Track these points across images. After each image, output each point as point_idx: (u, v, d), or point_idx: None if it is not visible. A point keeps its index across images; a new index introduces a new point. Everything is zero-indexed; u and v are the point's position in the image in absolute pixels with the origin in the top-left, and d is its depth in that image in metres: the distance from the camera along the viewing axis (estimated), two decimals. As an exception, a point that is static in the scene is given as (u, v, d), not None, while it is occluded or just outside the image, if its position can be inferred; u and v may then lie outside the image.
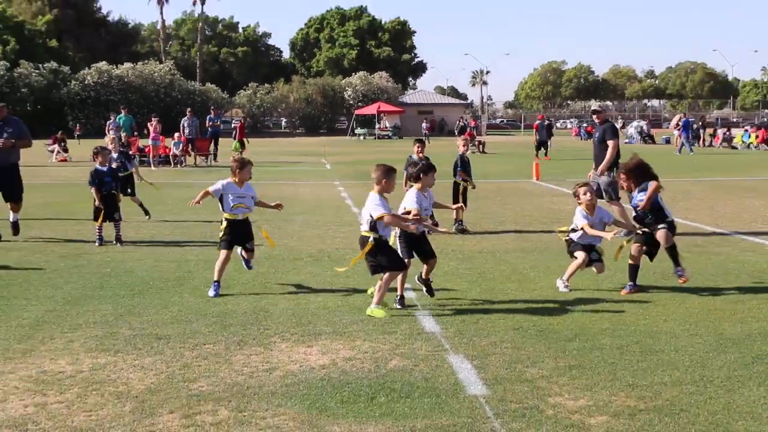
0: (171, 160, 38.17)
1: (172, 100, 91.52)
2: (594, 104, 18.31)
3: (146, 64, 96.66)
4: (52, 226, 16.83)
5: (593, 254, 10.59)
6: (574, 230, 10.71)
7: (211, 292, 10.34)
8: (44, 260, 12.97)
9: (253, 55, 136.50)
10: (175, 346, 8.01)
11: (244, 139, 42.73)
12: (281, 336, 8.39)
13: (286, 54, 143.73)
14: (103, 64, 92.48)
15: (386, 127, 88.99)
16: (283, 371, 7.23)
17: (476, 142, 53.57)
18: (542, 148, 44.51)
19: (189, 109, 43.02)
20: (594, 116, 16.73)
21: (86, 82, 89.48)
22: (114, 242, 14.57)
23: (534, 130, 47.61)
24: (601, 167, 15.74)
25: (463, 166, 16.05)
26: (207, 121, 42.26)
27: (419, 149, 16.01)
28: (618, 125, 46.11)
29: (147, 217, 17.64)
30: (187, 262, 12.75)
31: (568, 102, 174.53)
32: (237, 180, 10.92)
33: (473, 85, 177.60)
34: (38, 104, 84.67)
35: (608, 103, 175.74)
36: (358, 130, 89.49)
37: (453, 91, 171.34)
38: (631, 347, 7.92)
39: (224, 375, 7.13)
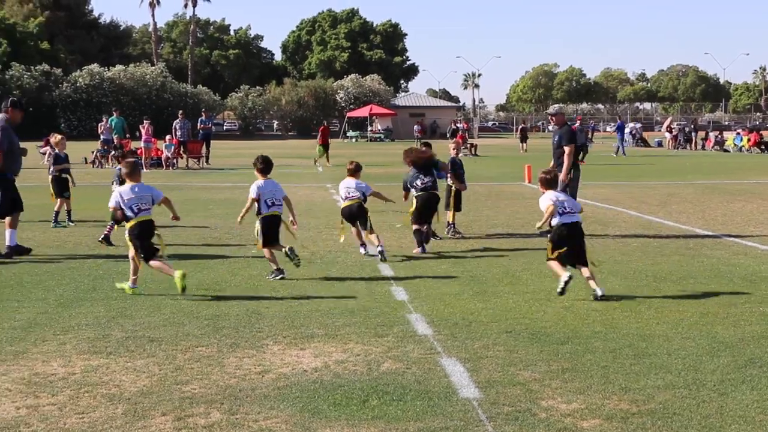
0: (163, 163, 38.12)
1: (164, 103, 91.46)
2: (552, 107, 18.24)
3: (138, 66, 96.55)
4: (45, 229, 16.78)
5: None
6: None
7: (271, 276, 11.59)
8: (36, 262, 12.94)
9: (244, 58, 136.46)
10: (168, 349, 8.00)
11: (328, 142, 42.24)
12: (274, 338, 8.39)
13: (278, 56, 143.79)
14: (94, 67, 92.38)
15: (378, 130, 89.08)
16: (276, 374, 7.23)
17: (468, 145, 53.61)
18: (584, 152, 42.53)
19: (181, 111, 43.14)
20: (551, 119, 16.75)
21: (78, 85, 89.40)
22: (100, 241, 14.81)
23: None
24: (561, 176, 15.75)
25: (454, 170, 16.04)
26: (198, 124, 42.39)
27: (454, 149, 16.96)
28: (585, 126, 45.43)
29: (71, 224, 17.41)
30: (179, 264, 12.67)
31: (561, 105, 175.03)
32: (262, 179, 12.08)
33: (465, 87, 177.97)
34: (30, 106, 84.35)
35: (600, 105, 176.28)
36: (351, 133, 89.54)
37: (445, 94, 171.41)
38: (623, 350, 7.93)
39: (217, 377, 7.12)
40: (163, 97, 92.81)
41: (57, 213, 17.36)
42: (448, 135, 63.21)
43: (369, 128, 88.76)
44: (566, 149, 15.69)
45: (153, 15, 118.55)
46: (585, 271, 10.41)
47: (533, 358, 7.69)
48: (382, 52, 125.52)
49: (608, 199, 23.34)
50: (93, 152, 40.28)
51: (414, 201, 14.34)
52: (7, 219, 13.81)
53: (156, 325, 8.96)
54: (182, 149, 39.26)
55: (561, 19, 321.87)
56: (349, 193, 13.74)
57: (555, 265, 10.40)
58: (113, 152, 38.17)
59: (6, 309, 9.71)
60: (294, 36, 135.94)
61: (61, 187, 17.56)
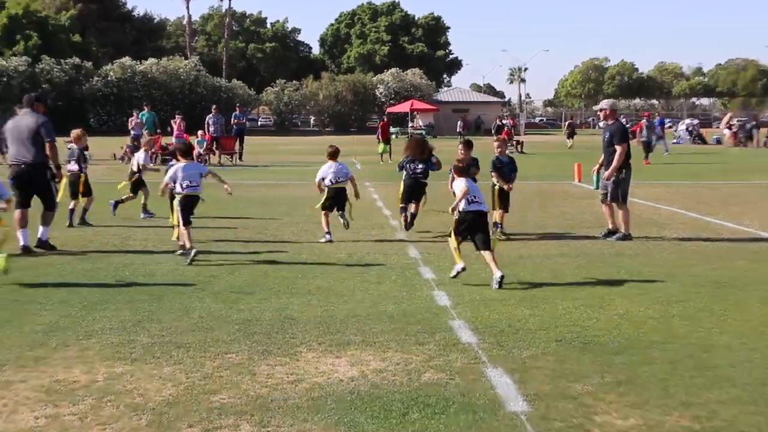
0: (195, 159, 38.20)
1: (197, 97, 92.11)
2: (603, 102, 17.86)
3: (171, 59, 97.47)
4: (70, 229, 16.82)
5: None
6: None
7: (324, 239, 14.86)
8: (61, 262, 12.94)
9: (281, 51, 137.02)
10: (196, 356, 7.89)
11: (389, 137, 42.57)
12: (308, 345, 8.25)
13: (316, 50, 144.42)
14: (126, 60, 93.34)
15: (420, 126, 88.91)
16: (310, 383, 7.09)
17: (514, 142, 53.30)
18: (648, 150, 42.38)
19: (214, 105, 43.13)
20: (600, 114, 16.57)
21: (109, 78, 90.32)
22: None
23: (638, 130, 45.58)
24: (607, 173, 15.68)
25: (497, 168, 15.75)
26: (232, 119, 42.52)
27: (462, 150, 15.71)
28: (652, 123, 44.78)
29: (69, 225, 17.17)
30: (209, 265, 12.66)
31: (612, 100, 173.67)
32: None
33: (511, 82, 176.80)
34: (59, 100, 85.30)
35: (654, 101, 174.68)
36: (391, 129, 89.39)
37: (489, 89, 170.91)
38: (683, 362, 7.70)
39: (247, 387, 6.99)
40: (197, 91, 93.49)
41: (85, 211, 17.35)
42: (493, 131, 62.88)
43: (410, 124, 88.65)
44: (618, 148, 15.51)
45: (188, 7, 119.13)
46: (487, 256, 11.34)
47: (585, 369, 7.48)
48: (424, 45, 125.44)
49: (663, 198, 22.99)
50: (123, 147, 40.61)
51: (402, 183, 16.73)
52: (40, 214, 14.02)
53: (184, 330, 8.86)
54: (215, 145, 39.39)
55: (611, 11, 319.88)
56: (338, 178, 15.79)
57: (455, 250, 11.47)
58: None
59: (27, 312, 9.67)
60: (332, 29, 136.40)
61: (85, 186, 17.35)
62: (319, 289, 11.04)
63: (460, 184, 11.64)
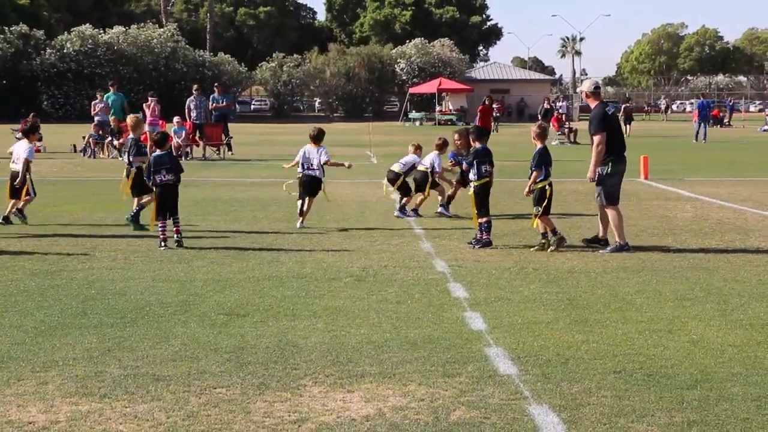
0: (173, 152, 38.34)
1: (176, 75, 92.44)
2: (585, 82, 17.63)
3: (143, 28, 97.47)
4: (20, 236, 17.04)
5: None
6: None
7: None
8: (11, 278, 13.12)
9: (279, 18, 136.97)
10: (178, 390, 8.06)
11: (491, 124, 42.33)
12: (313, 378, 8.41)
13: (321, 16, 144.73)
14: (86, 28, 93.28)
15: (449, 110, 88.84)
16: (316, 423, 7.25)
17: (566, 130, 53.31)
18: None
19: (196, 86, 42.86)
20: (585, 98, 16.75)
21: (65, 51, 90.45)
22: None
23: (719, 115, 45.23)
24: (588, 174, 15.80)
25: (541, 163, 15.75)
26: (210, 102, 41.78)
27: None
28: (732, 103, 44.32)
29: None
30: (193, 282, 12.83)
31: (688, 77, 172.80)
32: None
33: (563, 56, 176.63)
34: (3, 79, 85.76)
35: (741, 78, 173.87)
36: (413, 114, 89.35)
37: (536, 64, 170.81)
38: (770, 398, 7.83)
39: (240, 428, 7.15)
40: (174, 67, 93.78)
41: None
42: (539, 116, 62.77)
43: (437, 108, 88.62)
44: (594, 139, 15.69)
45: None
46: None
47: (650, 406, 7.61)
48: (455, 10, 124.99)
49: (750, 199, 23.02)
50: (84, 138, 40.69)
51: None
52: None
53: (163, 359, 9.03)
54: (198, 134, 39.42)
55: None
56: (306, 165, 18.34)
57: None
58: (110, 138, 38.57)
59: (-27, 337, 9.85)
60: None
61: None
62: (327, 310, 11.18)
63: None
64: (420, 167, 19.96)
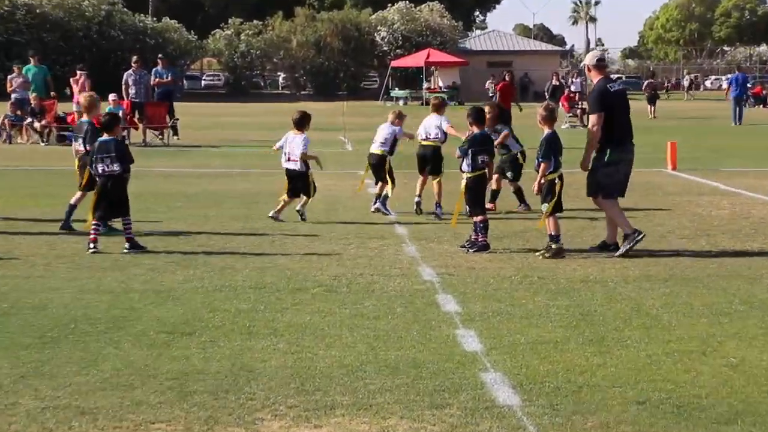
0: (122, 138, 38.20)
1: (111, 44, 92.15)
2: (588, 55, 17.63)
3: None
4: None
5: None
6: None
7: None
8: None
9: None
10: (107, 426, 7.98)
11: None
12: (273, 410, 8.36)
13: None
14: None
15: (439, 87, 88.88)
16: (276, 465, 7.18)
17: (578, 111, 53.31)
18: None
19: (135, 57, 42.78)
20: (587, 72, 17.12)
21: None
22: None
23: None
24: (581, 162, 16.02)
25: (550, 152, 15.68)
26: (152, 77, 41.47)
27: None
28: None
29: None
30: (129, 293, 12.74)
31: (724, 48, 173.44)
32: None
33: (574, 22, 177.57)
34: None
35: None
36: (397, 92, 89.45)
37: (543, 32, 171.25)
38: (823, 433, 7.80)
39: (183, 470, 7.09)
40: (109, 35, 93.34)
41: None
42: (546, 95, 62.79)
43: (424, 85, 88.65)
44: (590, 119, 16.06)
45: None
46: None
47: (680, 444, 7.58)
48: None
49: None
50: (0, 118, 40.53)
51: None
52: None
53: (90, 388, 8.95)
54: (137, 115, 39.26)
55: None
56: (287, 156, 18.85)
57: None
58: (29, 119, 38.35)
59: None
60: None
61: None
62: (291, 327, 11.12)
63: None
64: (423, 140, 19.76)
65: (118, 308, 11.94)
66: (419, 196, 19.42)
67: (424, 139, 19.64)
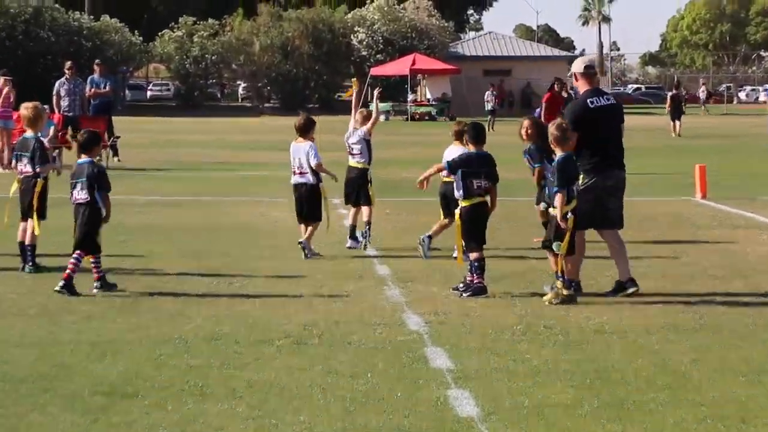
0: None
1: (40, 46, 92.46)
2: (578, 60, 17.78)
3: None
4: None
5: None
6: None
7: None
8: None
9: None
10: None
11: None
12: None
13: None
14: None
15: (428, 100, 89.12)
16: None
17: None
18: None
19: (69, 63, 42.70)
20: (574, 82, 17.19)
21: None
22: None
23: None
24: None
25: (564, 180, 15.60)
26: (88, 87, 41.34)
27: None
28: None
29: None
30: (60, 346, 12.66)
31: (761, 54, 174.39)
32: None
33: (585, 23, 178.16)
34: None
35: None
36: (377, 104, 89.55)
37: (548, 35, 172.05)
38: None
39: None
40: (38, 35, 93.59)
41: None
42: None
43: (409, 96, 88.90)
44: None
45: None
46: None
47: None
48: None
49: None
50: None
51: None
52: None
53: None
54: (70, 131, 39.18)
55: None
56: (294, 168, 19.16)
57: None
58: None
59: None
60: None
61: None
62: (252, 387, 11.06)
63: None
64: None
65: (47, 364, 11.85)
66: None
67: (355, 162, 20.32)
